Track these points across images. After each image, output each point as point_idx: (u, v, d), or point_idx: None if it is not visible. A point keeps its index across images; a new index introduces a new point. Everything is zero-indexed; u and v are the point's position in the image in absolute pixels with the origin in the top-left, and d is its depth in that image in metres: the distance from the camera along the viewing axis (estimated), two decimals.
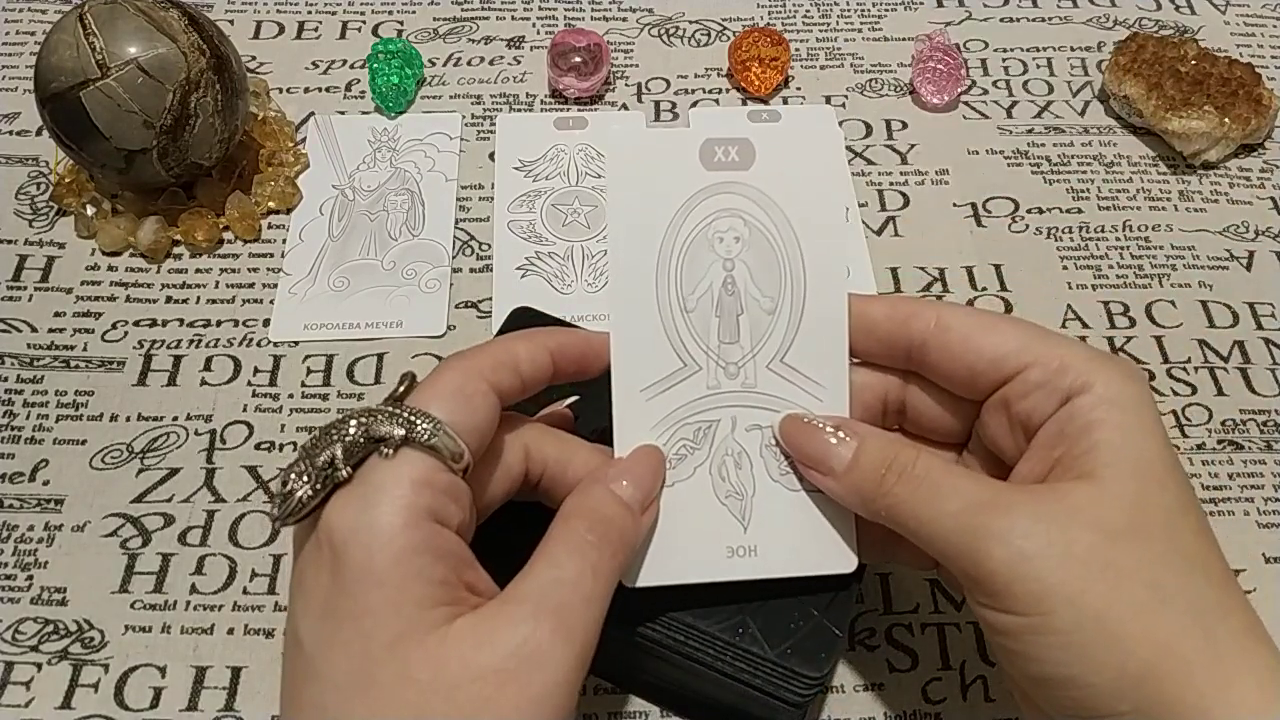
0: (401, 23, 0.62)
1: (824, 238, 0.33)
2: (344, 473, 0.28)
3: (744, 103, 0.59)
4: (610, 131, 0.42)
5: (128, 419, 0.46)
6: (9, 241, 0.52)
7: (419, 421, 0.28)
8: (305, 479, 0.28)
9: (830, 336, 0.33)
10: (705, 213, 0.33)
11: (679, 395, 0.33)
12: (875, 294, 0.40)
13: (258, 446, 0.45)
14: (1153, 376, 0.48)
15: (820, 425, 0.32)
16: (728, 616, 0.34)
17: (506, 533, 0.31)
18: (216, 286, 0.50)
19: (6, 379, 0.47)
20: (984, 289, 0.51)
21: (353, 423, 0.28)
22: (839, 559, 0.34)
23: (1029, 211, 0.54)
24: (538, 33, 0.62)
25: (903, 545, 0.32)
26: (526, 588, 0.28)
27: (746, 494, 0.33)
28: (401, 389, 0.30)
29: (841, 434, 0.32)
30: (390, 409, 0.28)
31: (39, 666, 0.39)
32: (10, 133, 0.56)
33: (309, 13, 0.63)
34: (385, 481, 0.28)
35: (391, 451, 0.28)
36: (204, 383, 0.47)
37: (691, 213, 0.33)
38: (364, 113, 0.58)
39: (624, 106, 0.58)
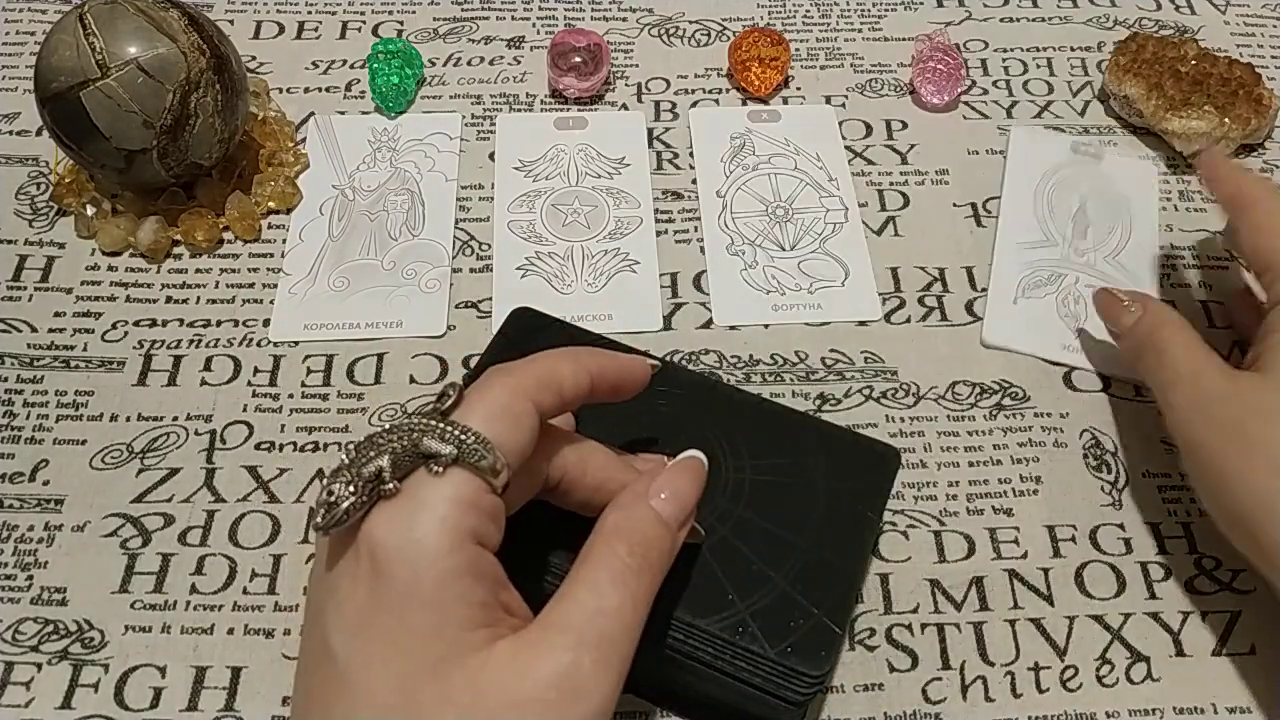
0: (401, 23, 0.62)
1: (1147, 199, 0.54)
2: (391, 486, 0.28)
3: (744, 103, 0.59)
4: (1014, 131, 0.57)
5: (128, 419, 0.46)
6: (9, 241, 0.52)
7: (470, 441, 0.28)
8: (351, 489, 0.27)
9: (1145, 254, 0.52)
10: (1070, 174, 0.55)
11: (1042, 254, 0.52)
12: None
13: (258, 446, 0.45)
14: None
15: (1120, 296, 0.45)
16: (728, 615, 0.34)
17: (517, 531, 0.31)
18: (216, 286, 0.50)
19: (6, 379, 0.47)
20: (984, 289, 0.51)
21: (401, 434, 0.28)
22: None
23: None
24: (538, 33, 0.62)
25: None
26: (569, 616, 0.28)
27: (1079, 317, 0.50)
28: (449, 403, 0.29)
29: (1132, 304, 0.45)
30: (441, 425, 0.28)
31: (39, 666, 0.39)
32: (10, 133, 0.56)
33: (309, 13, 0.63)
34: (432, 500, 0.28)
35: (442, 470, 0.28)
36: (204, 383, 0.47)
37: (1060, 172, 0.55)
38: (364, 113, 0.58)
39: (624, 106, 0.58)
